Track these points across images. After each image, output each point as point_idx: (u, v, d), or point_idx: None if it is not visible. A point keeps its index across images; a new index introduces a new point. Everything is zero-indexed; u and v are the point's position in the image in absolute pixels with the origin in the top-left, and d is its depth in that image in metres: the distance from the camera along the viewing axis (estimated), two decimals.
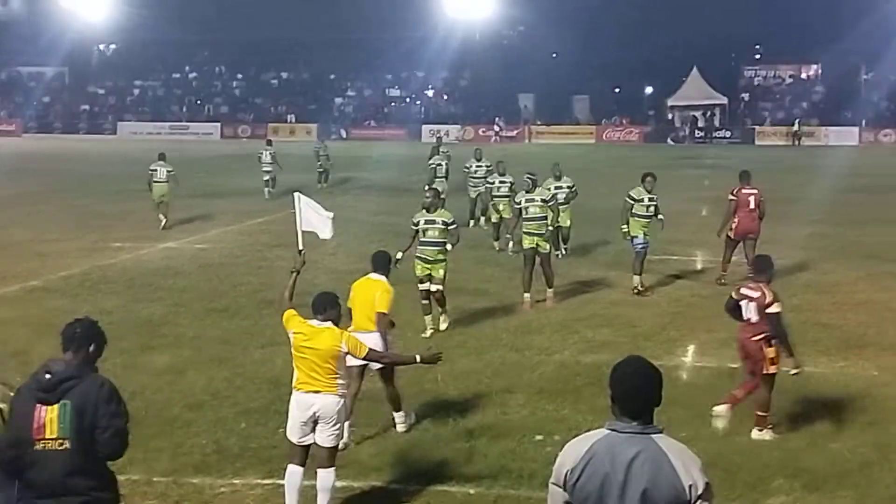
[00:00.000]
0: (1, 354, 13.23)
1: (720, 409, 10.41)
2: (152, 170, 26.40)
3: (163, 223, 25.20)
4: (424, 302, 14.48)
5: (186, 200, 29.82)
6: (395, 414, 10.52)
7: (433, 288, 14.41)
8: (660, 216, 17.72)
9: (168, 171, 26.41)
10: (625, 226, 17.53)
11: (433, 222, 14.56)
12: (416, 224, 14.64)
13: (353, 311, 10.65)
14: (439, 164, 28.96)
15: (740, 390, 10.57)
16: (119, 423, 5.78)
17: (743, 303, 10.48)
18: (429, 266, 14.46)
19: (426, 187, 17.21)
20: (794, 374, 10.62)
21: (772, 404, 10.38)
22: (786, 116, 72.81)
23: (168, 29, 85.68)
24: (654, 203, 17.51)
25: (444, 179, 28.51)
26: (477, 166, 25.41)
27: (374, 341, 10.11)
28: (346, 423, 9.82)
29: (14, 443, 5.78)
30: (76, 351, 5.95)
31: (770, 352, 10.21)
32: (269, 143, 37.04)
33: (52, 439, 5.66)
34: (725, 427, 10.35)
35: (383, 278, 10.97)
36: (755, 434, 10.31)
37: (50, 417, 5.67)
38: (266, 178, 33.26)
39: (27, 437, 5.71)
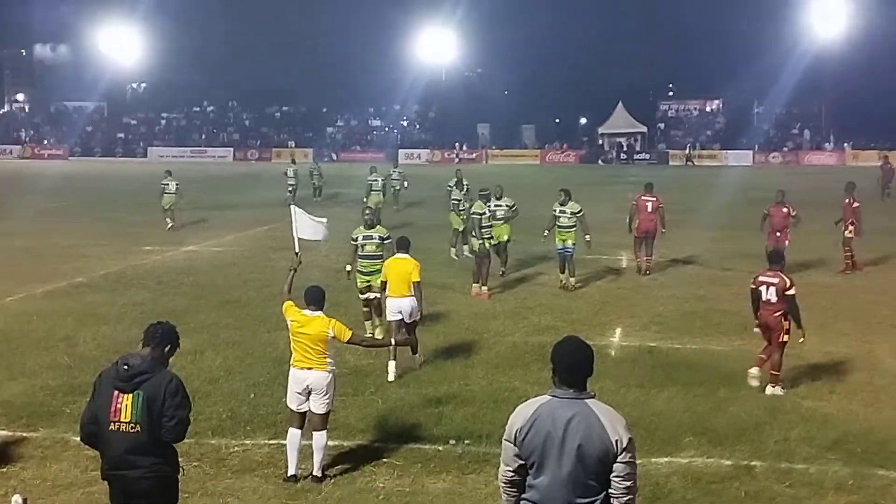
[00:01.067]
0: (52, 338, 13.20)
1: (753, 371, 10.76)
2: (164, 183, 27.10)
3: (169, 226, 26.07)
4: (365, 310, 13.36)
5: (205, 211, 29.68)
6: (414, 356, 11.55)
7: (371, 296, 13.10)
8: (587, 236, 17.40)
9: (176, 184, 27.09)
10: (546, 232, 17.62)
11: (370, 238, 13.30)
12: (355, 240, 13.39)
13: (389, 283, 11.72)
14: (374, 181, 29.26)
15: (764, 354, 10.86)
16: (182, 414, 5.71)
17: (762, 288, 10.76)
18: (367, 277, 13.09)
19: (365, 205, 17.06)
20: (801, 342, 10.98)
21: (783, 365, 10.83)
22: (694, 142, 73.39)
23: (189, 70, 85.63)
24: (566, 214, 17.21)
25: (379, 193, 29.01)
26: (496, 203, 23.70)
27: (407, 304, 11.61)
28: (418, 355, 11.55)
29: (94, 420, 5.72)
30: (154, 347, 5.87)
31: (786, 325, 10.63)
32: (293, 161, 38.33)
33: (125, 422, 5.59)
34: (758, 385, 10.66)
35: (409, 256, 11.90)
36: (769, 390, 10.63)
37: (125, 404, 5.60)
38: (290, 190, 33.87)
39: (104, 418, 5.65)
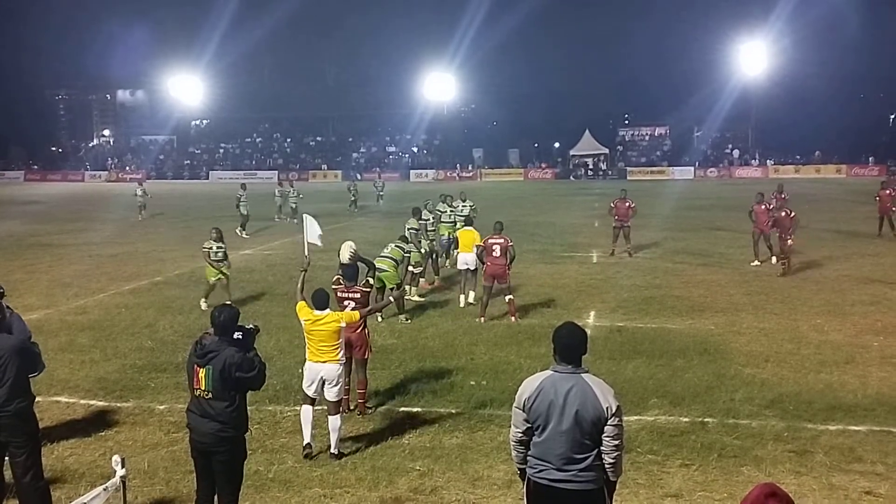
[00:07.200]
0: (137, 326, 13.14)
1: None
2: (239, 195, 28.36)
3: (243, 229, 27.26)
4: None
5: (258, 222, 29.57)
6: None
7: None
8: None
9: (244, 194, 28.88)
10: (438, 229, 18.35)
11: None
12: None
13: (461, 245, 14.60)
14: (279, 197, 29.53)
15: None
16: (254, 369, 5.70)
17: None
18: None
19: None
20: None
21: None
22: (647, 161, 73.22)
23: (241, 109, 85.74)
24: (446, 213, 18.55)
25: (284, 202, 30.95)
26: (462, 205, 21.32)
27: (472, 257, 14.14)
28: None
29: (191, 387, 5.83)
30: (222, 335, 5.80)
31: None
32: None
33: (203, 390, 5.66)
34: None
35: (473, 228, 14.90)
36: None
37: (202, 376, 5.66)
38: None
39: (192, 386, 5.76)
